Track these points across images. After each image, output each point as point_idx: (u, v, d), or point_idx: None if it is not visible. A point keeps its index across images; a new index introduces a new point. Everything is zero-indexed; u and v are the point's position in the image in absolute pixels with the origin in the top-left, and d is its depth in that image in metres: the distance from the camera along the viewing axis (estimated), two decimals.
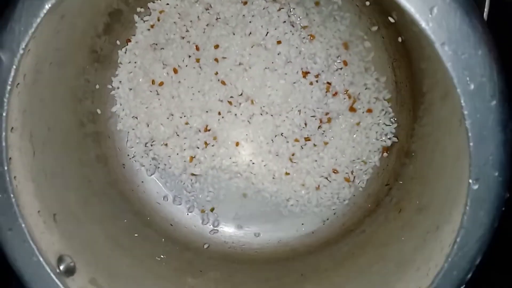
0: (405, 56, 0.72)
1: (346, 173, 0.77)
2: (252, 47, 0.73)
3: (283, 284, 0.72)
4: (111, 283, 0.63)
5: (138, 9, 0.75)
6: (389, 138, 0.76)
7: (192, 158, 0.78)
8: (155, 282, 0.70)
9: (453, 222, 0.53)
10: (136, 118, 0.78)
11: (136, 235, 0.75)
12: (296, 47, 0.73)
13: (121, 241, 0.71)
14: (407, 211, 0.68)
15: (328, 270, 0.71)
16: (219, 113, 0.75)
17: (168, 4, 0.75)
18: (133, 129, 0.78)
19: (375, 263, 0.65)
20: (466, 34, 0.44)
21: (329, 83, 0.75)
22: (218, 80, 0.75)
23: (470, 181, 0.47)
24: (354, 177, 0.77)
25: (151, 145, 0.79)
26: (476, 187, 0.47)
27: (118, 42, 0.76)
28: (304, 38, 0.74)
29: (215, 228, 0.80)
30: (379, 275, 0.62)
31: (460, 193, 0.52)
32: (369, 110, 0.75)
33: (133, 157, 0.80)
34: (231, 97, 0.75)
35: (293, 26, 0.74)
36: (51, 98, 0.62)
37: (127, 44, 0.76)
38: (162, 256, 0.74)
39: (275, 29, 0.73)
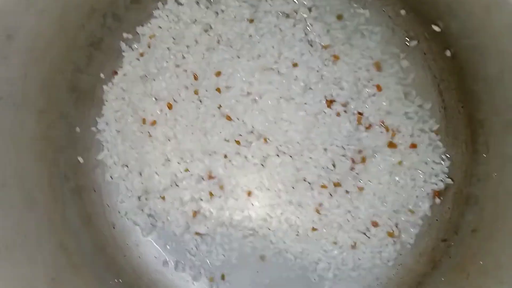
0: (454, 75, 0.63)
1: (389, 226, 0.65)
2: (262, 72, 0.64)
3: None
4: None
5: (125, 35, 0.68)
6: (441, 180, 0.65)
7: (195, 213, 0.66)
8: None
9: None
10: (127, 166, 0.68)
11: None
12: (317, 71, 0.64)
13: None
14: (476, 274, 0.55)
15: None
16: (225, 156, 0.65)
17: (160, 27, 0.67)
18: (124, 180, 0.68)
19: None
20: None
21: (360, 113, 0.65)
22: (222, 115, 0.65)
23: None
24: (400, 230, 0.65)
25: (146, 199, 0.68)
26: None
27: (102, 76, 0.68)
28: (326, 59, 0.65)
29: None
30: None
31: None
32: (413, 145, 0.65)
33: (125, 214, 0.69)
34: (239, 135, 0.65)
35: (311, 45, 0.65)
36: (7, 146, 0.50)
37: (113, 77, 0.68)
38: None
39: (290, 49, 0.64)
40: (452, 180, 0.64)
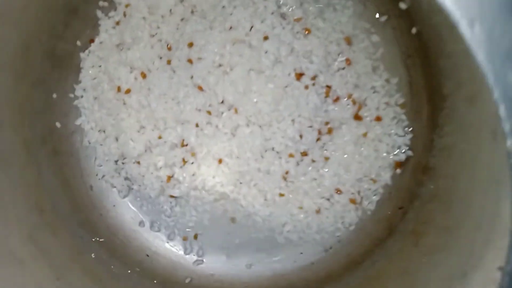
0: (421, 51, 0.62)
1: (352, 193, 0.67)
2: (233, 44, 0.63)
3: None
4: None
5: (101, 3, 0.67)
6: (403, 152, 0.66)
7: (169, 177, 0.68)
8: None
9: (486, 270, 0.40)
10: (104, 132, 0.68)
11: (103, 271, 0.64)
12: (288, 44, 0.63)
13: (81, 282, 0.60)
14: (427, 241, 0.57)
15: None
16: (197, 125, 0.65)
17: None
18: (101, 145, 0.69)
19: None
20: (506, 5, 0.31)
21: (328, 87, 0.65)
22: (194, 85, 0.64)
23: None
24: (362, 198, 0.67)
25: (122, 163, 0.69)
26: None
27: (79, 43, 0.67)
28: (297, 32, 0.64)
29: (200, 259, 0.70)
30: None
31: (496, 230, 0.39)
32: (378, 118, 0.65)
33: (102, 177, 0.70)
34: (210, 105, 0.65)
35: (284, 18, 0.64)
36: None
37: (90, 45, 0.68)
38: None
39: (262, 22, 0.63)
40: (413, 151, 0.64)
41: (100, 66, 0.67)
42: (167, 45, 0.65)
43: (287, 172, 0.66)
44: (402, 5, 0.57)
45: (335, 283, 0.66)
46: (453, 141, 0.57)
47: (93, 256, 0.64)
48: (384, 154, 0.65)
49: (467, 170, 0.52)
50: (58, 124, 0.67)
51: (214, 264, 0.70)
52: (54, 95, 0.66)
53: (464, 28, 0.31)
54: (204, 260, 0.70)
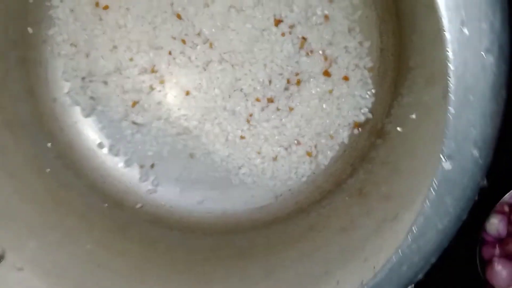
0: (395, 19, 0.63)
1: (309, 146, 0.68)
2: None
3: (215, 258, 0.64)
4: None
5: None
6: (363, 114, 0.67)
7: (135, 103, 0.68)
8: (69, 235, 0.60)
9: (414, 210, 0.44)
10: (75, 46, 0.67)
11: (55, 180, 0.65)
12: None
13: (33, 183, 0.60)
14: (371, 197, 0.60)
15: (267, 250, 0.63)
16: (170, 53, 0.65)
17: None
18: (71, 59, 0.67)
19: (320, 248, 0.57)
20: None
21: (304, 38, 0.65)
22: (174, 12, 0.64)
23: (442, 157, 0.37)
24: (317, 152, 0.69)
25: (90, 81, 0.68)
26: (448, 166, 0.37)
27: None
28: None
29: (153, 188, 0.71)
30: (321, 260, 0.53)
31: (429, 175, 0.42)
32: (346, 78, 0.66)
33: (68, 92, 0.69)
34: (186, 35, 0.64)
35: None
36: None
37: None
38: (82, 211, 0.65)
39: None
40: (372, 115, 0.66)
41: None
42: None
43: (251, 115, 0.67)
44: None
45: (278, 227, 0.68)
46: (409, 113, 0.57)
47: (47, 163, 0.65)
48: (345, 113, 0.67)
49: (418, 144, 0.53)
50: (30, 30, 0.65)
51: (167, 195, 0.71)
52: (31, 0, 0.64)
53: None
54: (158, 190, 0.70)
